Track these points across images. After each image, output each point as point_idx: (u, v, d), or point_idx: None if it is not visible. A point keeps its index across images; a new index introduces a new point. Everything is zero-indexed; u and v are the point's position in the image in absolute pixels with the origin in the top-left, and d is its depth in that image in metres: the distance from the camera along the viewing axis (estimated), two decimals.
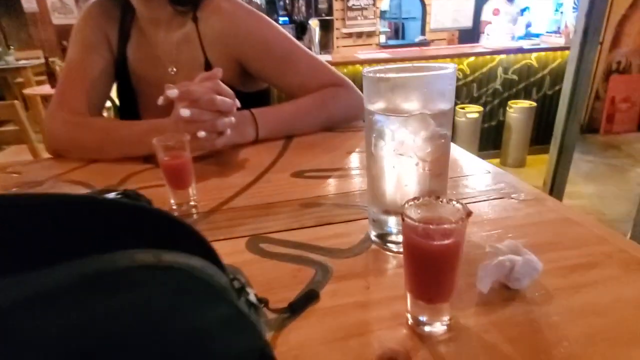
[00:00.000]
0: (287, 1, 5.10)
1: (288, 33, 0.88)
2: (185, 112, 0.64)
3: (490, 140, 3.54)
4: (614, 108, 3.96)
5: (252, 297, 0.31)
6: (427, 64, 0.43)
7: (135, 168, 0.74)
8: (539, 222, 0.49)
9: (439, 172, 0.43)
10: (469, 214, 0.30)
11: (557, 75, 3.47)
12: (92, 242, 0.27)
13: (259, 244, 0.48)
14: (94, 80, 0.85)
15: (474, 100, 3.42)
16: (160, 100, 0.65)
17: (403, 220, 0.31)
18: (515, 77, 3.44)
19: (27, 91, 3.38)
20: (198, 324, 0.28)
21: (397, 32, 5.53)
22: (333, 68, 0.88)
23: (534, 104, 3.35)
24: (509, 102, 3.39)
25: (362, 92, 0.45)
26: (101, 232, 0.28)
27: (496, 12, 3.51)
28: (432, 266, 0.31)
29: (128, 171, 0.73)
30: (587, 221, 0.49)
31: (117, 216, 0.28)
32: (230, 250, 0.47)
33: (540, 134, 3.47)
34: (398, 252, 0.44)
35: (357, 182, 0.64)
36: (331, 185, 0.64)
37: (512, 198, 0.55)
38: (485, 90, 3.46)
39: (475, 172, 0.65)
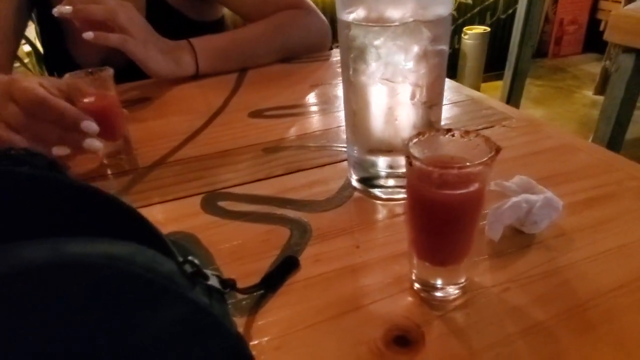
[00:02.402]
0: None
1: None
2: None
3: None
4: (562, 30, 3.98)
5: (214, 281, 0.23)
6: None
7: None
8: (538, 151, 0.43)
9: (435, 101, 0.35)
10: (497, 150, 0.22)
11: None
12: None
13: (218, 202, 0.39)
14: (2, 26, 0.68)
15: None
16: (55, 11, 0.57)
17: (410, 164, 0.23)
18: (469, 0, 3.34)
19: None
20: (138, 336, 0.20)
21: None
22: None
23: (488, 29, 3.30)
24: (464, 29, 3.31)
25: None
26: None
27: None
28: (447, 222, 0.24)
29: None
30: (588, 146, 0.44)
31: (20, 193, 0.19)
32: (183, 213, 0.38)
33: (493, 60, 3.46)
34: (388, 200, 0.37)
35: (327, 119, 0.55)
36: (297, 124, 0.54)
37: (504, 125, 0.49)
38: None
39: (456, 99, 0.58)
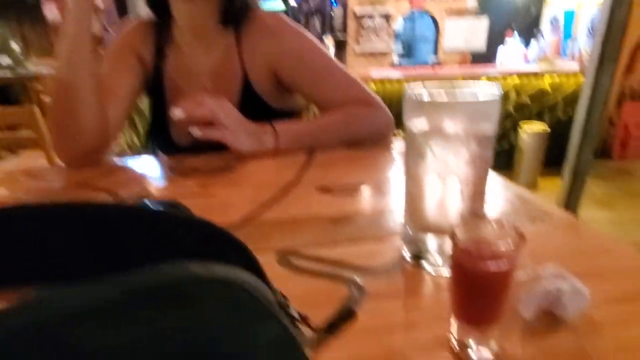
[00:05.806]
0: (302, 19, 5.20)
1: (326, 49, 0.91)
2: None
3: (502, 161, 3.52)
4: (628, 134, 3.93)
5: (294, 312, 0.31)
6: (469, 82, 0.42)
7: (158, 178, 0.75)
8: (575, 250, 0.48)
9: (479, 193, 0.42)
10: (522, 237, 0.29)
11: (571, 101, 3.46)
12: (138, 253, 0.26)
13: (290, 259, 0.47)
14: (118, 96, 0.88)
15: None
16: (172, 113, 0.75)
17: (455, 244, 0.30)
18: (528, 100, 3.45)
19: (47, 99, 3.44)
20: (250, 345, 0.27)
21: (410, 52, 5.59)
22: (366, 86, 0.89)
23: (547, 128, 3.34)
24: (522, 124, 3.38)
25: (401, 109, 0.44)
26: (148, 243, 0.27)
27: (509, 33, 3.53)
28: (481, 289, 0.30)
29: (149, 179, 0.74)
30: (625, 250, 0.48)
31: (162, 227, 0.28)
32: (263, 264, 0.46)
33: (553, 156, 3.45)
34: (435, 274, 0.43)
35: (386, 200, 0.64)
36: (359, 202, 0.63)
37: (544, 221, 0.54)
38: None
39: (504, 196, 0.64)
